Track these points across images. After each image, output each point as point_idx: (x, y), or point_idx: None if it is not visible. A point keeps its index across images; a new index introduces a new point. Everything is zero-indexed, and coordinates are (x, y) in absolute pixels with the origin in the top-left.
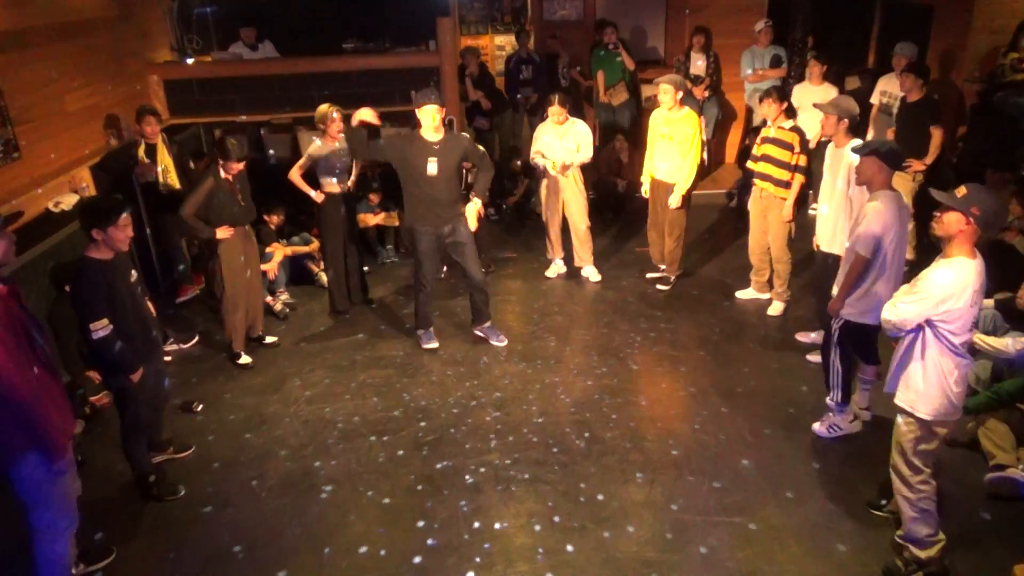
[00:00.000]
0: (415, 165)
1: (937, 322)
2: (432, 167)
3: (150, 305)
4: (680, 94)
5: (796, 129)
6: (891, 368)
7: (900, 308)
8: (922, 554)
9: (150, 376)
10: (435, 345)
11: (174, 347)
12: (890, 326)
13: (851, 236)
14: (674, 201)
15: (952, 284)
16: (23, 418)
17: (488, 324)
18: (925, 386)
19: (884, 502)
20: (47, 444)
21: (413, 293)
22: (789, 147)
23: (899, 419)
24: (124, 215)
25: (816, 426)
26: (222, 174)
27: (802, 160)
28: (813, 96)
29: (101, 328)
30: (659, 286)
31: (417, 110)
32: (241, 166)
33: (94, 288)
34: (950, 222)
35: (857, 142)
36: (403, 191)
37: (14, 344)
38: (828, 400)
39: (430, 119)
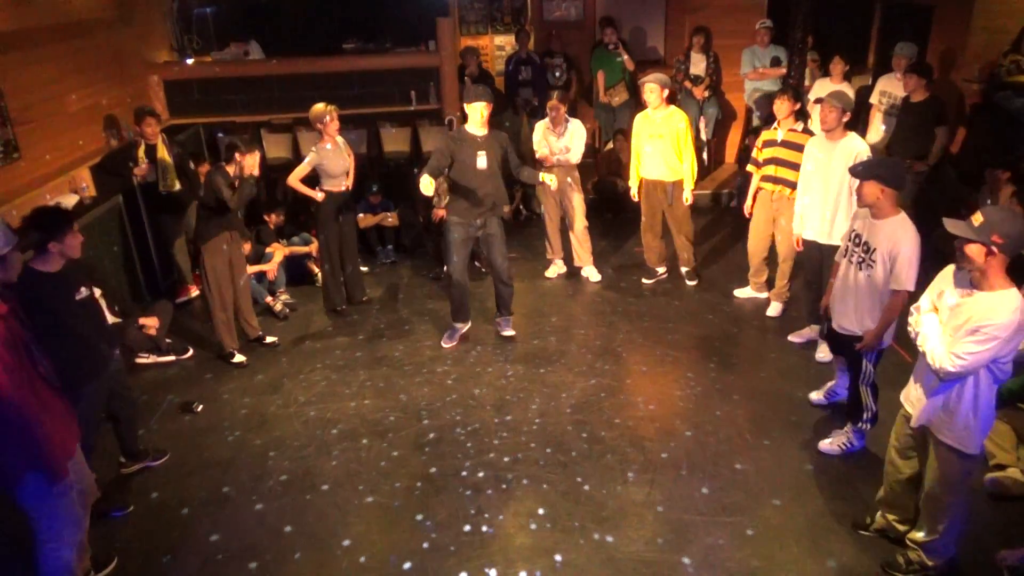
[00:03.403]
0: (467, 162)
1: (1000, 359)
2: (482, 161)
3: (158, 314)
4: (666, 92)
5: (808, 131)
6: (924, 402)
7: (967, 358)
8: (930, 562)
9: (99, 393)
10: (452, 345)
11: (170, 358)
12: (953, 376)
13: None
14: (687, 198)
15: (1017, 321)
16: (23, 438)
17: (507, 317)
18: (976, 422)
19: (869, 521)
20: (46, 466)
21: (446, 289)
22: (803, 149)
23: (945, 454)
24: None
25: (824, 444)
26: (233, 171)
27: None
28: None
29: None
30: (688, 281)
31: (466, 105)
32: (257, 158)
33: (29, 303)
34: (973, 254)
35: (853, 136)
36: (451, 185)
37: (14, 363)
38: (853, 426)
39: (478, 115)
